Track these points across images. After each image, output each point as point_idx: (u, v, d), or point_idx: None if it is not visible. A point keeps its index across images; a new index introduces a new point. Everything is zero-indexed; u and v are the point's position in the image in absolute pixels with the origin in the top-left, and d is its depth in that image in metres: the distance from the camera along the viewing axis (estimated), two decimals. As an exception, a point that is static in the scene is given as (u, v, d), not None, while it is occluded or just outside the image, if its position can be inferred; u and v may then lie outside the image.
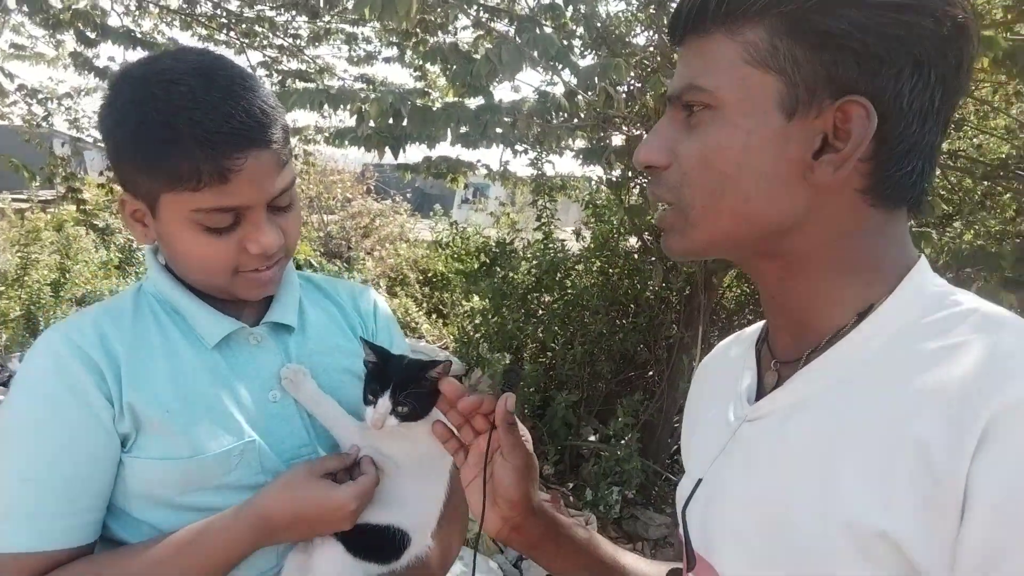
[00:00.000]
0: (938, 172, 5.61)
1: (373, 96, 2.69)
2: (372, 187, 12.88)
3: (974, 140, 5.98)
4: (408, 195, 13.92)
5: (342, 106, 2.75)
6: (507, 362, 4.94)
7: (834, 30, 0.71)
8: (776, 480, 0.78)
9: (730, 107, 0.75)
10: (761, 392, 0.88)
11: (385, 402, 1.06)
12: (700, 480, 0.89)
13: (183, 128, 0.97)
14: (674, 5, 0.84)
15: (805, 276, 0.80)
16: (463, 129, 2.87)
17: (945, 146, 5.50)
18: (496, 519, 1.02)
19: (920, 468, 0.64)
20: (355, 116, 2.80)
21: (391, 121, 2.79)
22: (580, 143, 4.08)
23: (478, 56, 4.64)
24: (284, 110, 1.13)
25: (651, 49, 3.96)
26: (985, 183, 5.08)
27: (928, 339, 0.72)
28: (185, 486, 1.07)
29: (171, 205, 1.03)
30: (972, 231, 5.55)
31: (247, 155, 1.00)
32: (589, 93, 2.82)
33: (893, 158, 0.74)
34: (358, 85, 6.99)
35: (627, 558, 1.13)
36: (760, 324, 0.99)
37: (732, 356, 1.00)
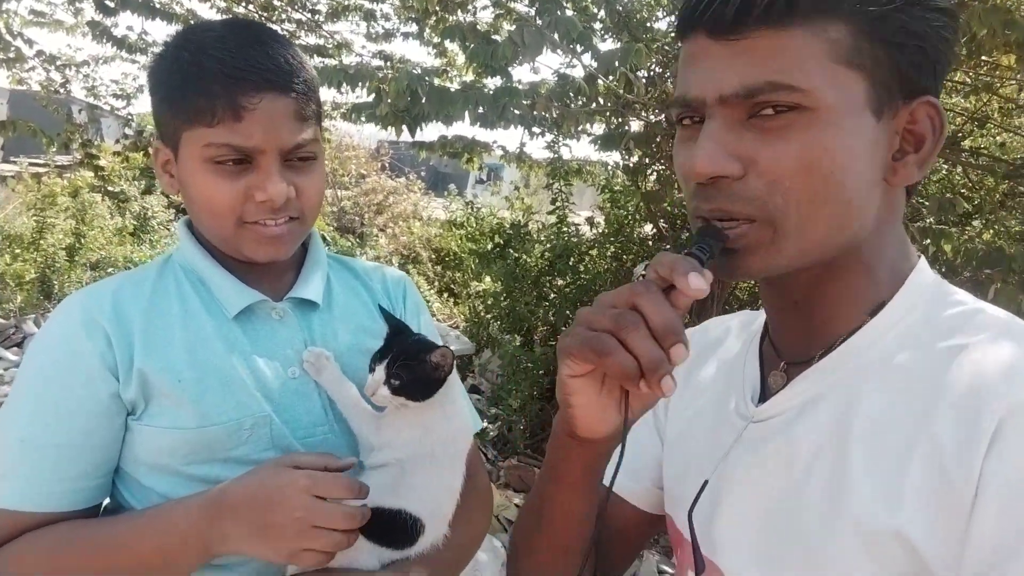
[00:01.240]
0: (959, 169, 5.55)
1: (391, 76, 2.67)
2: (386, 164, 12.86)
3: (997, 138, 5.91)
4: (422, 173, 13.91)
5: (360, 84, 2.73)
6: (517, 343, 4.94)
7: (918, 31, 0.70)
8: (785, 481, 0.77)
9: (828, 107, 0.70)
10: (766, 392, 0.87)
11: (380, 372, 1.06)
12: (706, 482, 0.87)
13: (205, 64, 1.02)
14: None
15: (840, 279, 0.78)
16: (481, 110, 2.85)
17: (967, 143, 5.45)
18: (617, 418, 0.81)
19: (933, 467, 0.65)
20: (373, 95, 2.79)
21: (409, 100, 2.77)
22: (598, 128, 4.05)
23: (497, 36, 4.62)
24: (314, 73, 1.14)
25: (672, 34, 3.92)
26: (1007, 182, 5.02)
27: (937, 339, 0.72)
28: (192, 456, 1.06)
29: (189, 143, 1.06)
30: (992, 230, 5.49)
31: (263, 96, 1.02)
32: (609, 78, 2.80)
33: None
34: (376, 62, 6.97)
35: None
36: (759, 318, 0.97)
37: (727, 346, 0.97)
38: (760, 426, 0.83)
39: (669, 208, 4.60)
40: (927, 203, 3.57)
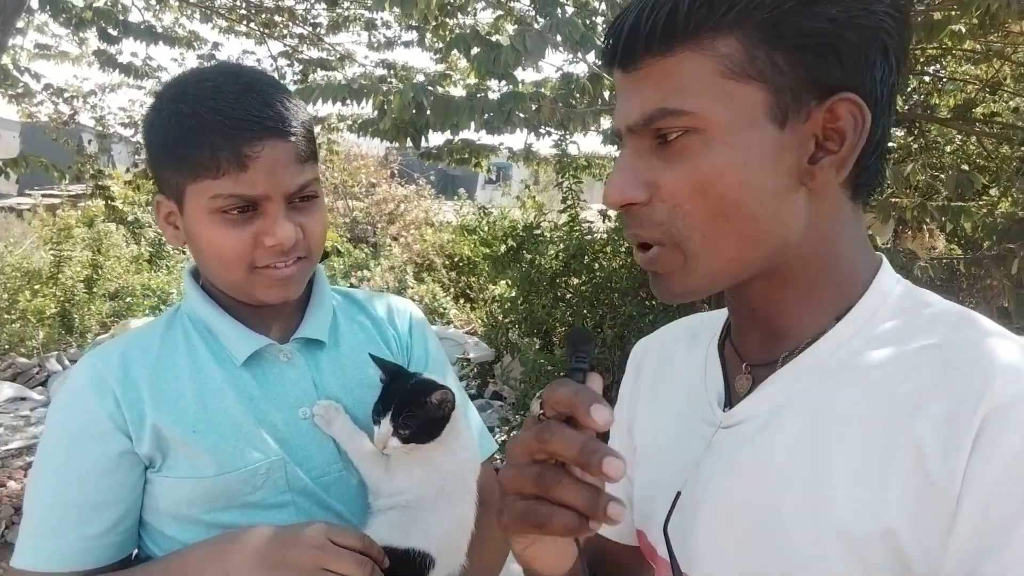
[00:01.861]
0: (974, 139, 5.47)
1: (394, 89, 2.66)
2: (396, 171, 12.87)
3: (1010, 103, 5.81)
4: (431, 177, 13.91)
5: (365, 99, 2.72)
6: (537, 347, 4.92)
7: (813, 30, 0.68)
8: (762, 488, 0.75)
9: (719, 126, 0.70)
10: (731, 396, 0.84)
11: (387, 425, 1.07)
12: (679, 494, 0.84)
13: (205, 117, 1.02)
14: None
15: (794, 287, 0.77)
16: (486, 116, 2.83)
17: (980, 110, 5.36)
18: (573, 550, 0.85)
19: (915, 469, 0.64)
20: (376, 109, 2.78)
21: (413, 112, 2.76)
22: (606, 122, 4.02)
23: (499, 38, 4.60)
24: (308, 113, 1.16)
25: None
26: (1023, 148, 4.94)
27: (909, 339, 0.71)
28: (211, 504, 1.09)
29: (194, 196, 1.06)
30: (1009, 198, 5.40)
31: (264, 143, 1.03)
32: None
33: (870, 149, 0.73)
34: (379, 71, 6.98)
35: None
36: (705, 320, 0.95)
37: (682, 353, 0.95)
38: (729, 432, 0.81)
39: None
40: (943, 180, 3.50)
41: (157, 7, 6.65)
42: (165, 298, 7.37)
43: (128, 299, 7.24)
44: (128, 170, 5.61)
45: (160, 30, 6.25)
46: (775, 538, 0.73)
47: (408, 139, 2.83)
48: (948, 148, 5.44)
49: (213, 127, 1.02)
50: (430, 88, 2.74)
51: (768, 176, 0.71)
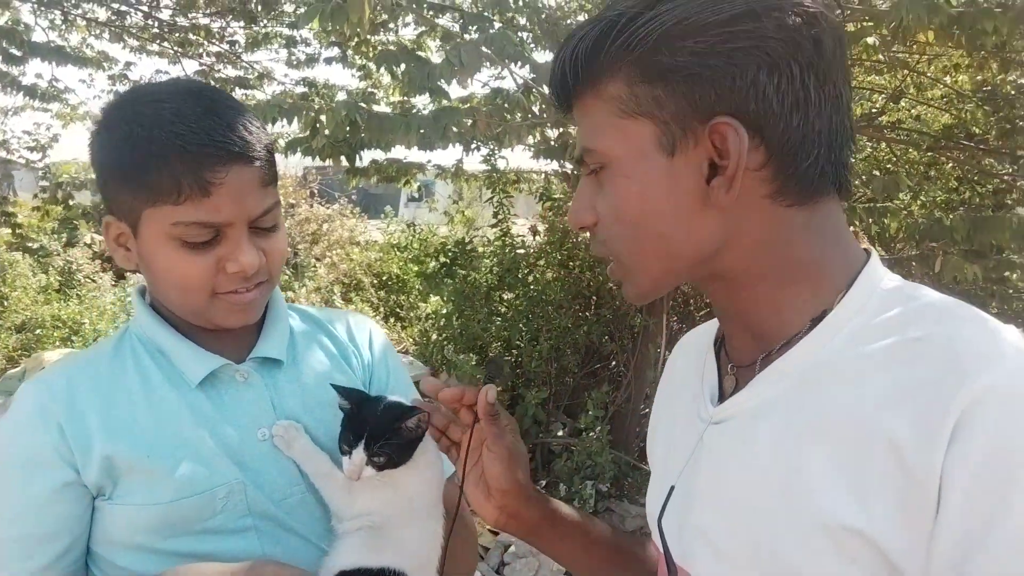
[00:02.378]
0: (883, 145, 5.73)
1: (327, 107, 2.60)
2: (315, 191, 12.63)
3: (912, 111, 6.11)
4: (353, 196, 13.69)
5: (297, 118, 2.65)
6: (473, 363, 4.88)
7: (679, 64, 0.73)
8: (746, 484, 0.78)
9: (618, 161, 0.79)
10: (723, 395, 0.88)
11: (360, 454, 1.05)
12: (673, 487, 0.89)
13: (166, 141, 0.98)
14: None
15: (749, 288, 0.81)
16: (421, 131, 2.80)
17: (885, 118, 5.63)
18: (492, 509, 1.05)
19: (893, 465, 0.65)
20: (307, 129, 2.71)
21: (348, 131, 2.70)
22: (538, 137, 4.04)
23: (424, 54, 4.56)
24: (269, 135, 1.12)
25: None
26: (929, 153, 5.20)
27: (887, 336, 0.72)
28: (167, 531, 1.05)
29: (152, 221, 1.02)
30: (918, 202, 5.67)
31: (229, 169, 1.00)
32: (547, 89, 2.77)
33: (787, 157, 0.75)
34: (300, 89, 6.85)
35: (624, 538, 1.17)
36: (716, 324, 0.99)
37: (692, 357, 0.99)
38: (718, 428, 0.84)
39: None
40: (868, 182, 3.65)
41: (63, 27, 6.37)
42: (77, 328, 7.01)
43: (37, 331, 6.85)
44: (36, 195, 5.32)
45: (68, 50, 5.98)
46: (761, 531, 0.75)
47: (343, 157, 2.77)
48: (860, 155, 5.68)
49: (173, 152, 0.98)
50: (363, 105, 2.68)
51: (667, 200, 0.78)
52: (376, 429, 1.05)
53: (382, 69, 5.78)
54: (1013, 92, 4.63)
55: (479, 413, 1.00)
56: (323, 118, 2.60)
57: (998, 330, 0.69)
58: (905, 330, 0.71)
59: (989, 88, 4.77)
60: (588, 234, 0.87)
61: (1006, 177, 5.08)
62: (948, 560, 0.62)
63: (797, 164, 0.75)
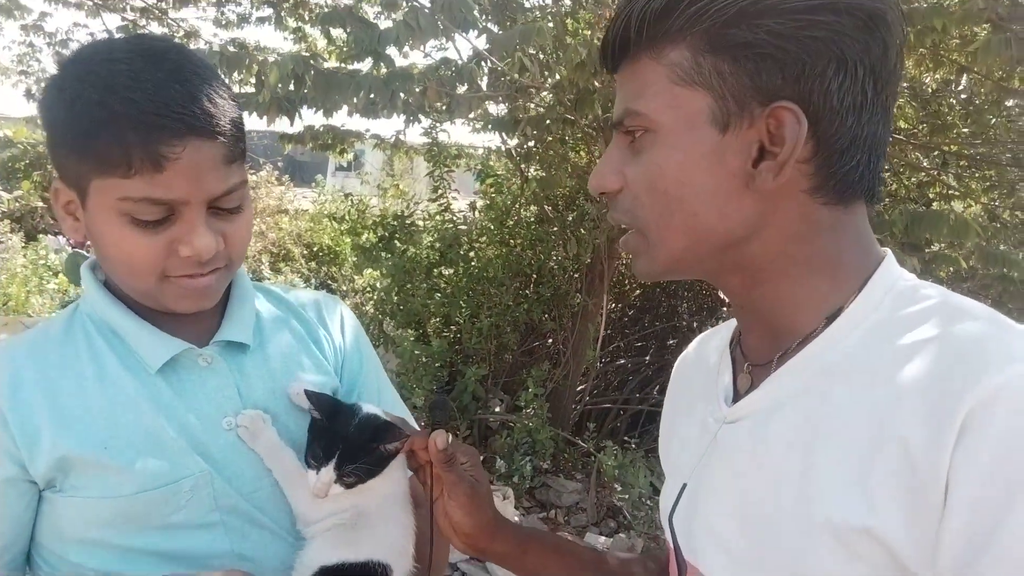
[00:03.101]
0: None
1: (272, 60, 2.46)
2: (241, 156, 12.24)
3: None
4: (279, 163, 13.31)
5: (238, 71, 2.50)
6: (412, 339, 4.80)
7: (752, 41, 0.72)
8: (758, 482, 0.78)
9: (665, 128, 0.77)
10: (737, 394, 0.88)
11: (329, 472, 0.98)
12: (684, 485, 0.89)
13: (117, 107, 0.88)
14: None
15: (769, 283, 0.81)
16: (371, 96, 2.69)
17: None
18: (460, 544, 1.04)
19: (902, 464, 0.65)
20: (251, 82, 2.56)
21: (292, 87, 2.57)
22: (480, 111, 3.96)
23: (366, 17, 4.41)
24: (239, 105, 1.01)
25: (549, 14, 3.87)
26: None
27: (900, 335, 0.72)
28: (127, 526, 0.97)
29: (100, 193, 0.93)
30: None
31: (186, 144, 0.90)
32: (502, 63, 2.70)
33: (834, 155, 0.75)
34: (230, 49, 6.55)
35: (604, 554, 1.17)
36: (733, 323, 0.99)
37: (710, 358, 0.98)
38: (732, 427, 0.84)
39: (560, 192, 4.60)
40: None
41: (-29, -33, 5.93)
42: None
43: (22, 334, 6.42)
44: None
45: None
46: (770, 529, 0.75)
47: (284, 116, 2.64)
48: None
49: (125, 121, 0.88)
50: (311, 62, 2.56)
51: (708, 176, 0.76)
52: (350, 447, 0.99)
53: (317, 32, 5.58)
54: (936, 89, 4.79)
55: (432, 460, 0.98)
56: (268, 70, 2.45)
57: (1013, 331, 0.69)
58: (919, 329, 0.71)
59: (912, 85, 4.92)
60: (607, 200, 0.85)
61: (931, 171, 5.28)
62: (953, 560, 0.62)
63: (841, 164, 0.75)
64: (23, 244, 7.98)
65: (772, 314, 0.82)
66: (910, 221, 3.14)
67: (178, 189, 0.91)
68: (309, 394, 1.04)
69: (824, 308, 0.78)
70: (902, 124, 5.37)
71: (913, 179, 5.76)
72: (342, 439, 1.00)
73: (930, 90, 4.82)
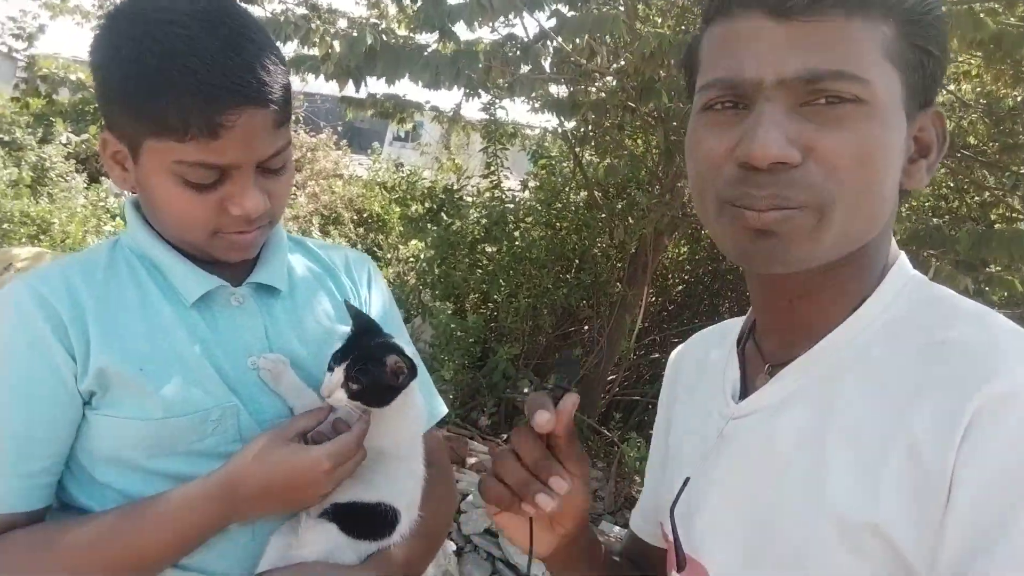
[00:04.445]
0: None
1: (343, 33, 2.50)
2: (301, 117, 12.36)
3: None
4: (339, 128, 13.44)
5: (310, 42, 2.55)
6: (449, 312, 4.85)
7: (938, 41, 0.72)
8: (765, 476, 0.78)
9: (880, 102, 0.70)
10: (747, 391, 0.87)
11: (339, 373, 1.02)
12: (687, 480, 0.88)
13: (176, 75, 0.91)
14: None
15: (836, 276, 0.78)
16: (438, 73, 2.71)
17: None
18: (551, 537, 0.93)
19: (910, 461, 0.65)
20: (320, 55, 2.61)
21: (362, 57, 2.61)
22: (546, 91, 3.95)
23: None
24: (288, 68, 1.05)
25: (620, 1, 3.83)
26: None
27: (915, 334, 0.73)
28: (155, 449, 1.01)
29: (154, 153, 0.97)
30: (906, 205, 5.70)
31: (242, 112, 0.94)
32: (571, 46, 2.70)
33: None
34: (300, 10, 6.62)
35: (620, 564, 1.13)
36: (737, 323, 0.98)
37: (712, 358, 0.98)
38: (740, 422, 0.84)
39: (615, 179, 4.58)
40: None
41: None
42: (46, 228, 6.83)
43: (5, 225, 6.66)
44: (16, 86, 5.11)
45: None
46: (775, 523, 0.75)
47: (351, 82, 2.68)
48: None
49: (183, 89, 0.91)
50: (383, 38, 2.59)
51: (898, 163, 0.74)
52: (362, 355, 1.03)
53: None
54: (1014, 106, 4.63)
55: (558, 429, 0.81)
56: (336, 44, 2.50)
57: (1022, 335, 0.69)
58: (933, 330, 0.72)
59: (986, 101, 4.77)
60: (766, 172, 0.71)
61: (996, 191, 5.13)
62: (952, 558, 0.62)
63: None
64: (85, 185, 8.21)
65: (812, 309, 0.80)
66: (977, 240, 3.06)
67: (232, 154, 0.95)
68: (349, 305, 1.11)
69: (853, 300, 0.78)
70: (971, 140, 5.23)
71: (976, 198, 5.61)
72: (359, 348, 1.04)
73: (1006, 106, 4.67)
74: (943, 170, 5.61)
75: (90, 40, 1.01)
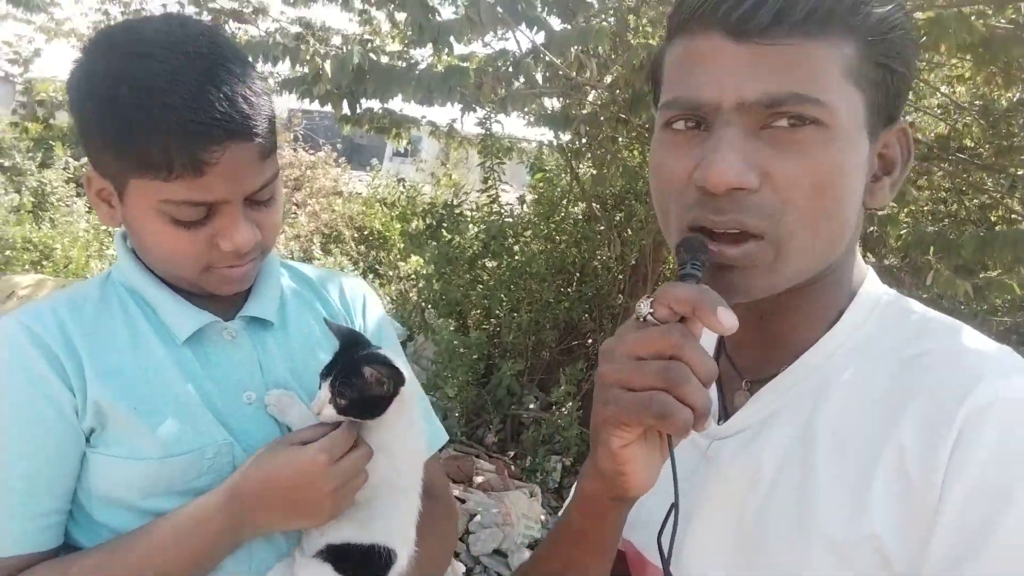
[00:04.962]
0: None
1: (332, 54, 2.50)
2: (299, 135, 12.41)
3: (907, 117, 6.11)
4: (338, 145, 13.49)
5: (299, 62, 2.55)
6: (452, 328, 4.84)
7: (903, 57, 0.71)
8: (752, 497, 0.77)
9: (840, 125, 0.69)
10: (726, 410, 0.86)
11: (326, 388, 1.00)
12: (673, 505, 0.82)
13: (157, 113, 0.89)
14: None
15: (805, 296, 0.77)
16: (430, 89, 2.72)
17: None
18: (660, 467, 0.77)
19: (898, 474, 0.65)
20: (311, 75, 2.62)
21: (352, 78, 2.61)
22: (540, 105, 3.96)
23: (432, 4, 4.43)
24: (271, 97, 1.04)
25: (612, 10, 3.84)
26: (922, 162, 5.21)
27: (894, 348, 0.73)
28: (151, 489, 0.99)
29: (139, 191, 0.95)
30: (906, 209, 5.70)
31: (225, 148, 0.91)
32: (560, 59, 2.70)
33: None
34: (295, 29, 6.66)
35: None
36: (712, 337, 0.95)
37: None
38: (723, 443, 0.83)
39: (609, 190, 4.58)
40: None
41: (53, -63, 6.10)
42: (48, 253, 6.84)
43: (7, 252, 6.68)
44: (15, 111, 5.12)
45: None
46: (764, 545, 0.74)
47: (344, 103, 2.69)
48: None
49: (164, 126, 0.89)
50: (372, 56, 2.59)
51: (859, 185, 0.73)
52: (344, 368, 1.01)
53: (383, 15, 5.64)
54: (1007, 107, 4.63)
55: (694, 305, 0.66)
56: (327, 65, 2.50)
57: (999, 348, 0.70)
58: (910, 343, 0.72)
59: (982, 103, 4.77)
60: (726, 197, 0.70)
61: (994, 193, 5.12)
62: (940, 563, 0.62)
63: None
64: (87, 209, 8.23)
65: (783, 327, 0.80)
66: (980, 244, 3.03)
67: (219, 190, 0.93)
68: (329, 322, 1.08)
69: (825, 317, 0.78)
70: (968, 143, 5.22)
71: (975, 201, 5.61)
72: (343, 362, 1.02)
73: (1000, 107, 4.66)
74: (940, 174, 5.63)
75: (66, 75, 0.98)
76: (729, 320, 0.63)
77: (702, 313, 0.64)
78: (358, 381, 1.00)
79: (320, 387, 1.02)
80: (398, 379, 1.02)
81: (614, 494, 0.75)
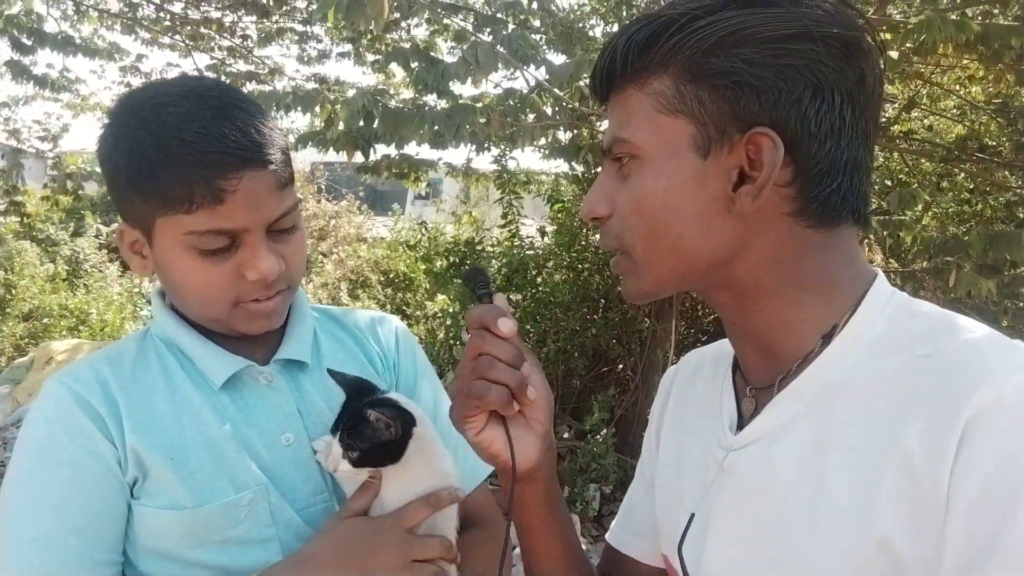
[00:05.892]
0: (895, 155, 5.71)
1: (342, 99, 2.58)
2: (323, 186, 12.65)
3: (925, 121, 6.08)
4: (360, 193, 13.71)
5: (311, 110, 2.64)
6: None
7: (730, 69, 0.74)
8: (768, 507, 0.78)
9: (650, 155, 0.79)
10: (742, 420, 0.88)
11: (336, 444, 1.00)
12: (692, 515, 0.89)
13: (174, 148, 0.94)
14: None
15: (759, 302, 0.81)
16: (435, 128, 2.79)
17: (897, 128, 5.60)
18: (535, 440, 0.88)
19: (906, 475, 0.66)
20: (323, 120, 2.70)
21: (361, 123, 2.69)
22: (550, 138, 4.02)
23: (436, 54, 4.55)
24: (283, 134, 1.08)
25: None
26: (943, 165, 5.17)
27: (901, 350, 0.73)
28: (190, 539, 1.01)
29: (165, 230, 0.99)
30: (930, 213, 5.65)
31: (241, 175, 0.96)
32: (563, 92, 2.76)
33: (813, 179, 0.76)
34: (310, 85, 6.85)
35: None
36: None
37: (705, 379, 0.98)
38: (739, 454, 0.84)
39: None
40: (886, 197, 3.62)
41: (75, 17, 6.38)
42: (84, 318, 7.02)
43: (45, 320, 6.86)
44: (45, 186, 5.32)
45: (79, 41, 5.99)
46: (781, 555, 0.75)
47: (357, 150, 2.76)
48: (873, 164, 5.63)
49: (183, 160, 0.94)
50: (378, 99, 2.68)
51: (692, 200, 0.78)
52: (350, 419, 1.01)
53: (395, 65, 5.80)
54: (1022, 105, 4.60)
55: (496, 329, 0.83)
56: (338, 108, 2.58)
57: (1007, 345, 0.70)
58: (916, 346, 0.73)
59: (1000, 100, 4.74)
60: (598, 226, 0.87)
61: (1019, 190, 5.06)
62: (953, 569, 0.63)
63: (821, 188, 0.77)
64: (119, 273, 8.45)
65: (765, 335, 0.83)
66: (988, 242, 3.02)
67: (239, 218, 0.97)
68: (332, 372, 1.07)
69: (819, 328, 0.79)
70: (988, 142, 5.18)
71: (1001, 199, 5.53)
72: (348, 414, 1.02)
73: (1018, 104, 4.62)
74: (962, 175, 5.57)
75: (94, 146, 1.05)
76: (507, 327, 0.82)
77: (489, 324, 0.82)
78: (365, 429, 1.00)
79: (327, 440, 1.02)
80: (406, 419, 1.02)
81: (507, 475, 0.86)
